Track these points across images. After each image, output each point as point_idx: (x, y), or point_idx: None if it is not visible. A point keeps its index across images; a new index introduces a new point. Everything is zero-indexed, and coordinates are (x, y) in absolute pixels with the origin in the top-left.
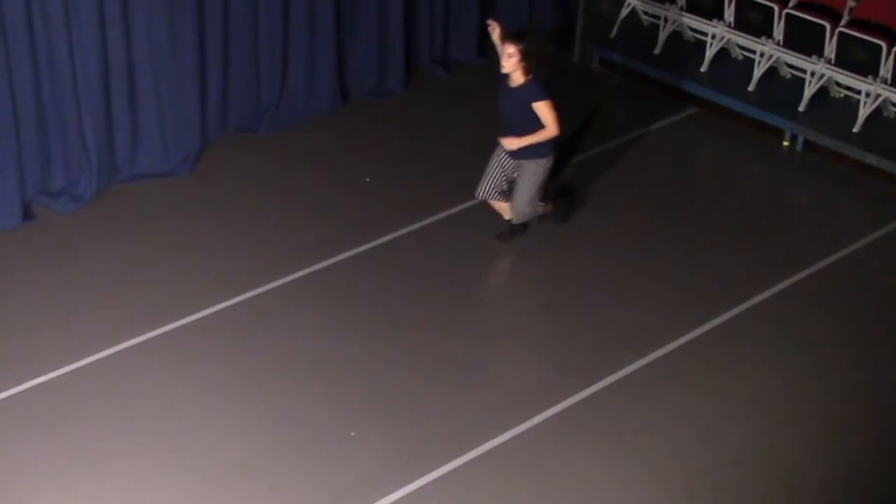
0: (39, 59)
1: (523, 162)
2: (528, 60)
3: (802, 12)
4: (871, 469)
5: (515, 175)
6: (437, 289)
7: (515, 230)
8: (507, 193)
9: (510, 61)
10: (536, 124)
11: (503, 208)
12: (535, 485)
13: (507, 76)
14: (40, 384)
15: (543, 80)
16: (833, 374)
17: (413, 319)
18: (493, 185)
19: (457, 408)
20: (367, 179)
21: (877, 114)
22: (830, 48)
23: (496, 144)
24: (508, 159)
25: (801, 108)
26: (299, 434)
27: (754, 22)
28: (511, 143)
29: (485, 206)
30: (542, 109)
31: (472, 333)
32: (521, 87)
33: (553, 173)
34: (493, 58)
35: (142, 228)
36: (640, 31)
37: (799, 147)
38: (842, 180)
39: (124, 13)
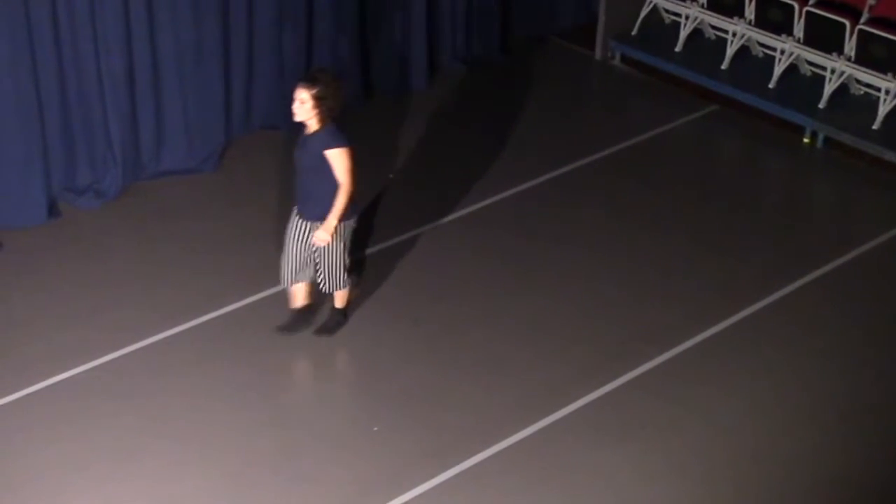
0: (65, 56)
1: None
2: (322, 107)
3: (822, 10)
4: (891, 465)
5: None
6: (460, 285)
7: (336, 319)
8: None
9: (302, 108)
10: (329, 177)
11: (302, 294)
12: (556, 480)
13: (304, 125)
14: (65, 380)
15: (340, 127)
16: (852, 370)
17: (436, 315)
18: (297, 267)
19: (479, 404)
20: (391, 175)
21: None
22: (850, 46)
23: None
24: (304, 229)
25: (821, 106)
26: (322, 429)
27: (775, 20)
28: (322, 239)
29: (505, 204)
30: (336, 158)
31: (494, 330)
32: (314, 134)
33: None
34: (516, 55)
35: (166, 225)
36: (661, 29)
37: (819, 144)
38: (861, 177)
39: (149, 11)
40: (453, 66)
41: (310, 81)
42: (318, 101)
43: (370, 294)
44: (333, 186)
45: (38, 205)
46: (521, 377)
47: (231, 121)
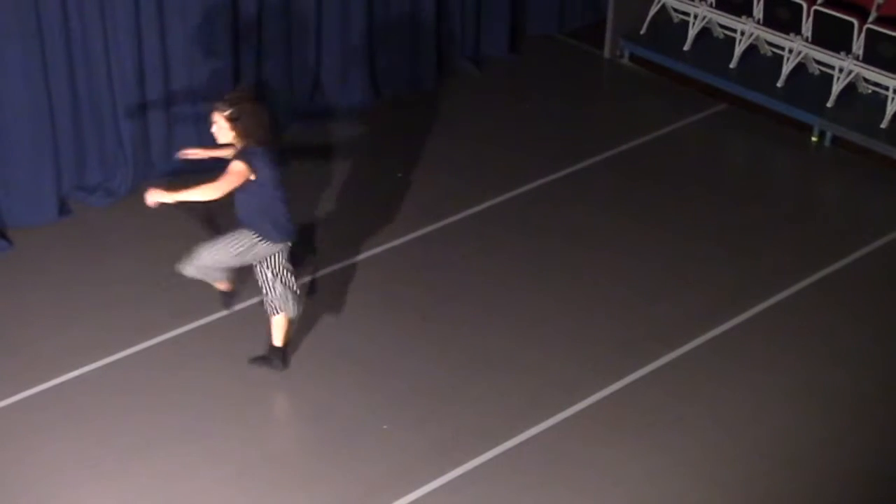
0: (75, 55)
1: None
2: (238, 127)
3: (831, 9)
4: None
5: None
6: (469, 284)
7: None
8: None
9: (220, 131)
10: (254, 194)
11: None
12: (565, 478)
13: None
14: (75, 378)
15: (262, 149)
16: (861, 368)
17: (445, 313)
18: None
19: (488, 401)
20: (399, 174)
21: None
22: (858, 45)
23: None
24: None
25: (829, 104)
26: (332, 427)
27: (783, 18)
28: (152, 198)
29: (514, 202)
30: (231, 168)
31: (503, 328)
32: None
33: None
34: (525, 53)
35: (176, 223)
36: (670, 28)
37: (827, 142)
38: (869, 175)
39: (159, 10)
40: (462, 64)
41: (223, 103)
42: (232, 122)
43: (379, 292)
44: (260, 203)
45: (48, 203)
46: (531, 375)
47: None
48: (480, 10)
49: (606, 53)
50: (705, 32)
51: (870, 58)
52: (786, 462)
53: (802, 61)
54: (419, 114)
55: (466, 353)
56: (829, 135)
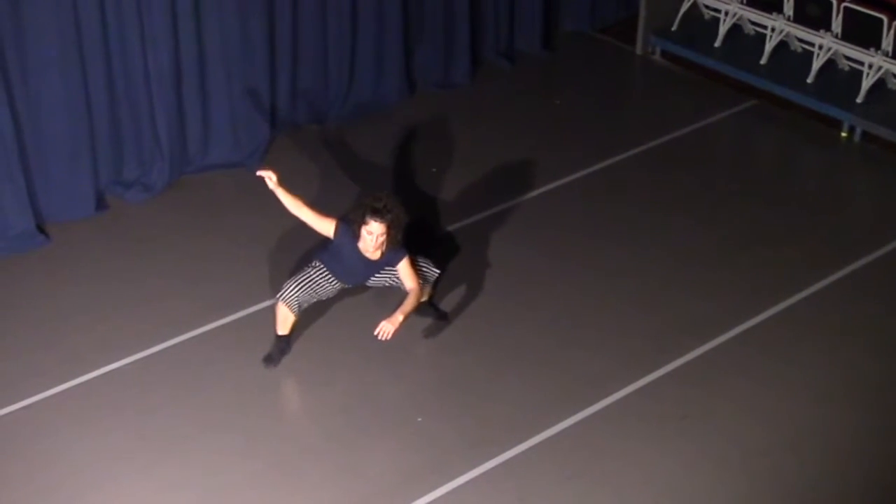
0: (112, 52)
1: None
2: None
3: (860, 6)
4: None
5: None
6: (501, 278)
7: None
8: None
9: (378, 241)
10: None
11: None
12: (597, 470)
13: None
14: (113, 371)
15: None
16: (890, 362)
17: (478, 307)
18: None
19: (521, 395)
20: (433, 169)
21: None
22: (888, 41)
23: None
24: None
25: (858, 100)
26: (368, 419)
27: (813, 15)
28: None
29: (546, 198)
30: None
31: (534, 322)
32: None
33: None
34: (558, 50)
35: (212, 218)
36: (700, 25)
37: (857, 138)
38: None
39: (196, 6)
40: (496, 60)
41: (380, 214)
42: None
43: None
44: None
45: (86, 198)
46: (562, 368)
47: (276, 116)
48: (514, 7)
49: (638, 50)
50: (736, 29)
51: None
52: (817, 457)
53: (832, 57)
54: (453, 109)
55: (498, 347)
56: (858, 130)
